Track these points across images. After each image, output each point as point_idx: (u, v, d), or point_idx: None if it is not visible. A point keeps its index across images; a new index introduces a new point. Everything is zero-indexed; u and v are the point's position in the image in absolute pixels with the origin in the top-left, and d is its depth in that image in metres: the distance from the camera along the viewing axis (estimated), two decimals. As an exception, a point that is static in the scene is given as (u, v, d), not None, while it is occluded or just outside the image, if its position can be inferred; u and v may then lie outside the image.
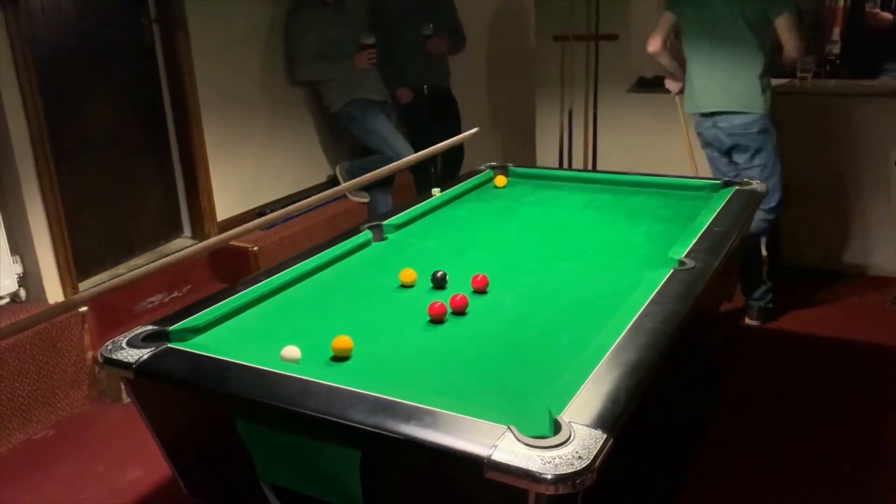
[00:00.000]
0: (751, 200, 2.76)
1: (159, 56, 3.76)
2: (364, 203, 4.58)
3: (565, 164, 4.77)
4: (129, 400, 2.64)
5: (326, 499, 1.60)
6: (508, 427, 1.38)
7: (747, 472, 2.52)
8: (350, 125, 4.38)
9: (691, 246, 2.27)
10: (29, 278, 3.18)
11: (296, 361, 1.73)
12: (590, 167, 4.67)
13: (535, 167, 3.59)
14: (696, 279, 2.04)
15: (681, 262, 2.15)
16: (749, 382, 3.09)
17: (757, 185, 2.91)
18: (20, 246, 3.13)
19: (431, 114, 4.85)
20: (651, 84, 4.53)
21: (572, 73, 4.62)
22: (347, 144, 4.78)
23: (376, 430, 1.43)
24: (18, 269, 3.14)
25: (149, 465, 2.70)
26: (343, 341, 1.77)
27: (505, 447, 1.33)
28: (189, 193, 3.94)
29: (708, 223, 2.48)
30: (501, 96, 5.70)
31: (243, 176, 4.17)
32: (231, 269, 3.91)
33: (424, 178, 5.07)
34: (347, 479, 1.51)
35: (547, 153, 4.83)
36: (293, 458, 1.60)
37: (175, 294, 3.76)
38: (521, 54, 5.43)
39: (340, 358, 1.78)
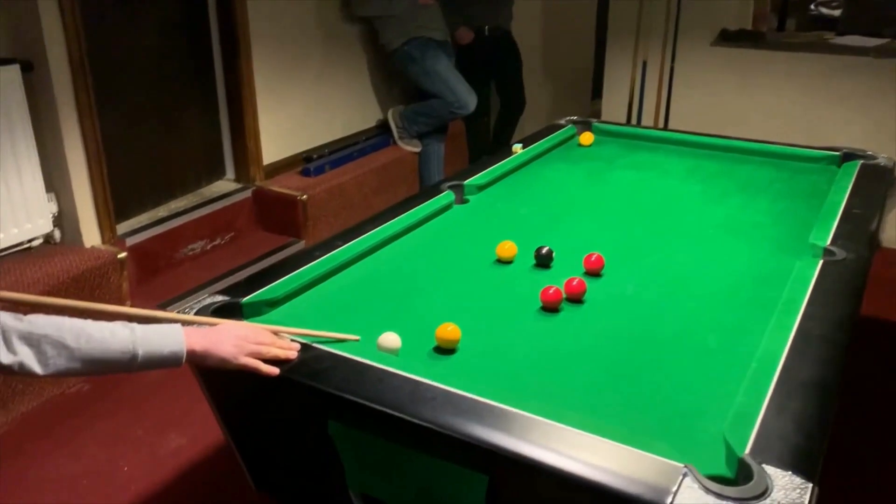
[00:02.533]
0: (882, 176, 2.43)
1: (208, -18, 3.41)
2: (416, 152, 4.26)
3: (634, 121, 4.41)
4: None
5: (435, 523, 1.35)
6: (686, 466, 1.10)
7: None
8: (408, 66, 4.01)
9: (833, 231, 1.96)
10: (65, 218, 2.91)
11: (395, 353, 1.46)
12: (661, 125, 4.31)
13: (621, 124, 3.24)
14: (855, 274, 1.74)
15: (828, 251, 1.84)
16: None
17: (882, 158, 2.57)
18: (56, 184, 2.85)
19: (491, 58, 4.48)
20: (736, 37, 4.13)
21: (650, 21, 4.22)
22: (400, 87, 4.43)
23: (514, 457, 1.16)
24: (54, 208, 2.87)
25: (192, 433, 2.48)
26: (450, 331, 1.49)
27: (688, 495, 1.06)
28: (234, 133, 3.63)
29: (843, 203, 2.16)
30: (560, 44, 5.31)
31: (291, 117, 3.84)
32: (277, 217, 3.64)
33: (480, 126, 4.74)
34: (467, 505, 1.24)
35: (614, 108, 4.47)
36: (395, 471, 1.34)
37: (217, 241, 3.49)
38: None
39: (445, 350, 1.50)
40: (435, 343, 1.50)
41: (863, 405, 2.52)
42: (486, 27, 4.40)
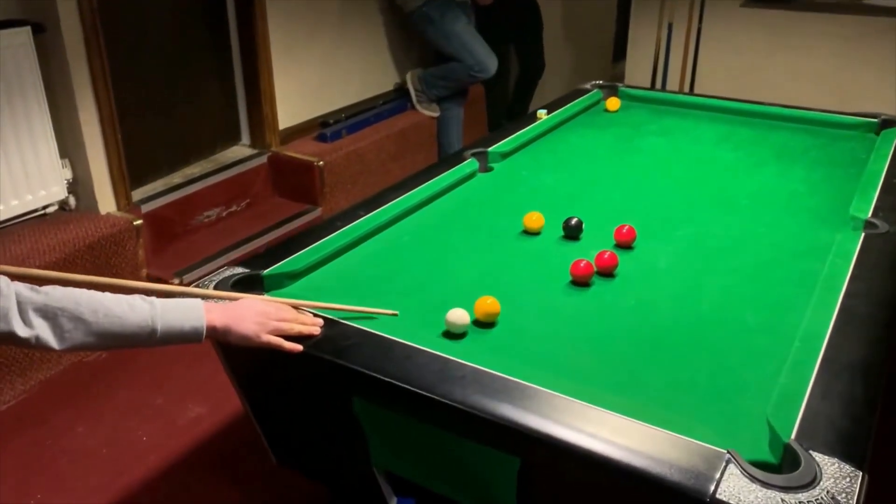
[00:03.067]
0: (923, 145, 2.33)
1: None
2: (434, 116, 4.17)
3: (658, 84, 4.29)
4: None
5: (464, 502, 1.31)
6: (729, 452, 1.05)
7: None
8: (426, 27, 3.89)
9: (874, 202, 1.88)
10: (79, 185, 2.86)
11: (464, 329, 1.40)
12: (687, 90, 4.19)
13: (651, 89, 3.14)
14: (898, 248, 1.67)
15: (869, 224, 1.77)
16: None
17: (922, 126, 2.47)
18: (70, 149, 2.80)
19: (512, 19, 4.36)
20: (766, -2, 3.99)
21: (677, -20, 4.08)
22: (418, 50, 4.32)
23: (547, 439, 1.11)
24: (68, 174, 2.82)
25: (212, 402, 2.46)
26: (490, 304, 1.44)
27: (732, 482, 1.01)
28: (249, 98, 3.56)
29: (884, 173, 2.07)
30: (580, 3, 5.17)
31: (307, 81, 3.76)
32: (294, 184, 3.58)
33: (500, 90, 4.63)
34: (498, 488, 1.21)
35: (639, 71, 4.35)
36: (423, 450, 1.30)
37: (234, 208, 3.45)
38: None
39: (485, 324, 1.44)
40: (473, 317, 1.44)
41: None
42: (507, -13, 4.26)
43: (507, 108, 4.73)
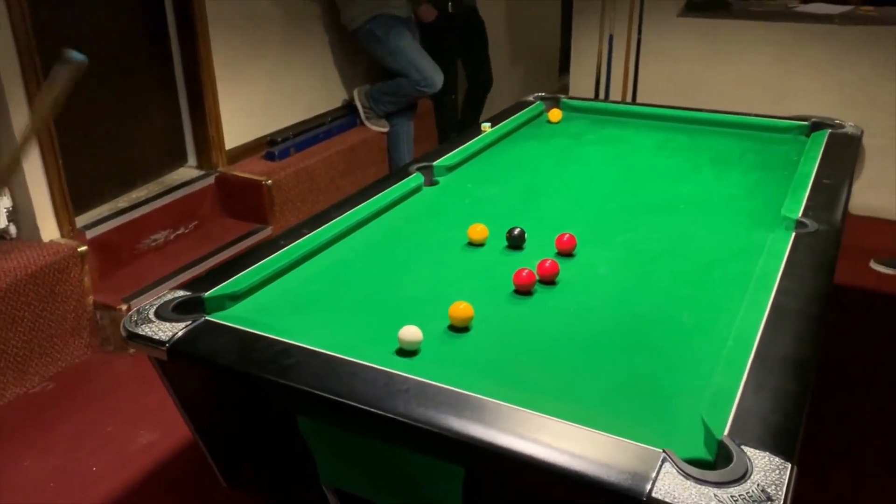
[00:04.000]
0: (849, 145, 2.42)
1: (160, -41, 3.28)
2: (384, 132, 4.19)
3: (601, 95, 4.38)
4: (135, 350, 2.32)
5: (412, 516, 1.32)
6: (664, 451, 1.08)
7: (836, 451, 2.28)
8: (372, 44, 3.92)
9: (805, 202, 1.95)
10: (20, 214, 2.80)
11: (417, 346, 1.41)
12: (629, 99, 4.28)
13: (592, 100, 3.20)
14: (828, 245, 1.73)
15: (800, 223, 1.83)
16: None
17: (850, 127, 2.57)
18: (9, 176, 2.74)
19: (457, 35, 4.40)
20: (704, 7, 4.11)
21: (615, -6, 4.18)
22: (365, 66, 4.33)
23: (489, 447, 1.12)
24: (7, 202, 2.76)
25: (164, 427, 2.42)
26: (463, 309, 1.46)
27: (667, 480, 1.04)
28: (194, 118, 3.52)
29: (813, 174, 2.15)
30: (523, 21, 5.25)
31: (253, 99, 3.74)
32: (242, 204, 3.55)
33: (447, 105, 4.67)
34: (445, 499, 1.22)
35: (582, 83, 4.43)
36: (370, 465, 1.31)
37: (181, 230, 3.40)
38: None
39: (460, 329, 1.47)
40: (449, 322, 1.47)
41: (838, 379, 2.54)
42: (450, 4, 4.31)
43: (456, 122, 4.77)
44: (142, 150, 3.38)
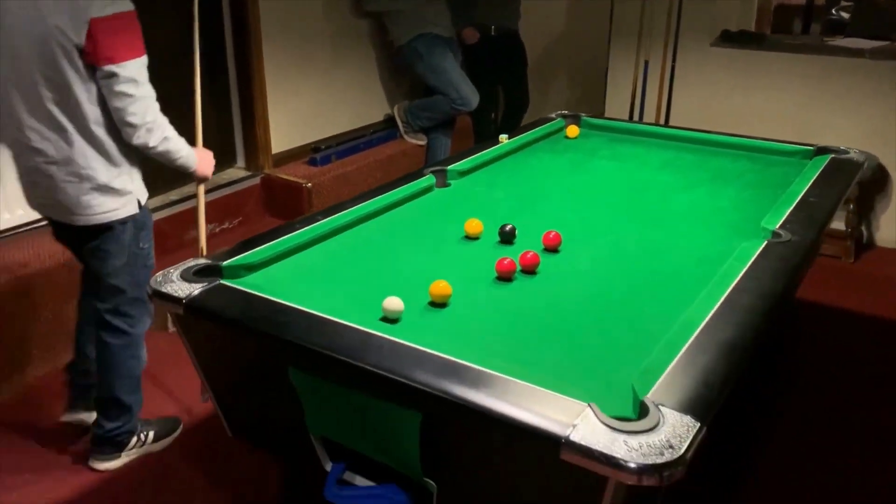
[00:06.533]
0: (848, 169, 2.52)
1: (222, -23, 3.60)
2: (421, 145, 4.42)
3: (636, 118, 4.52)
4: (174, 330, 2.58)
5: (381, 459, 1.50)
6: (589, 404, 1.24)
7: (805, 456, 2.36)
8: (415, 62, 4.17)
9: (785, 216, 2.08)
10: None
11: (398, 315, 1.60)
12: (662, 123, 4.41)
13: (611, 118, 3.36)
14: (793, 253, 1.85)
15: (775, 234, 1.96)
16: (822, 362, 2.90)
17: (854, 153, 2.66)
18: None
19: (497, 57, 4.62)
20: (737, 38, 4.23)
21: (652, 22, 4.33)
22: (408, 83, 4.59)
23: (442, 395, 1.30)
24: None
25: (189, 400, 2.66)
26: (442, 287, 1.66)
27: (585, 427, 1.19)
28: (245, 122, 3.83)
29: (802, 192, 2.27)
30: (572, 43, 5.43)
31: (300, 109, 4.03)
32: (284, 204, 3.82)
33: (485, 123, 4.88)
34: (405, 441, 1.39)
35: (617, 106, 4.58)
36: (348, 413, 1.49)
37: (225, 225, 3.68)
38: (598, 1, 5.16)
39: (437, 305, 1.66)
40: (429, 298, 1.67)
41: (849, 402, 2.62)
42: (493, 27, 4.53)
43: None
44: (195, 149, 3.68)
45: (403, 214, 2.22)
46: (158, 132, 2.05)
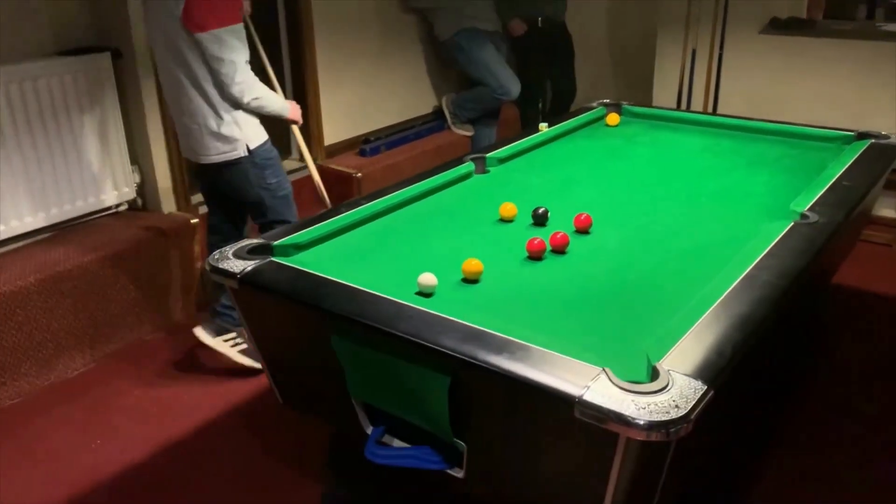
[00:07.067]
0: (888, 154, 2.53)
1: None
2: (468, 136, 4.52)
3: (683, 107, 4.53)
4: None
5: (414, 420, 1.62)
6: (603, 369, 1.34)
7: (835, 446, 2.38)
8: (457, 55, 4.29)
9: (816, 199, 2.12)
10: (146, 187, 3.33)
11: (432, 290, 1.72)
12: (710, 111, 4.41)
13: (652, 107, 3.40)
14: (819, 234, 1.90)
15: (803, 216, 2.00)
16: (867, 350, 2.90)
17: (895, 137, 2.66)
18: (139, 157, 3.27)
19: (544, 48, 4.69)
20: (786, 25, 4.20)
21: (700, 9, 4.34)
22: (455, 75, 4.70)
23: (468, 359, 1.41)
24: (137, 178, 3.29)
25: (247, 374, 2.83)
26: (474, 264, 1.77)
27: (598, 388, 1.29)
28: (299, 115, 3.99)
29: (836, 176, 2.29)
30: (620, 33, 5.44)
31: (350, 101, 4.18)
32: (335, 193, 3.95)
33: (532, 112, 4.95)
34: (435, 403, 1.51)
35: (664, 95, 4.59)
36: (383, 377, 1.62)
37: (281, 213, 3.85)
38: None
39: (469, 281, 1.78)
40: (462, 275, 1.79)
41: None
42: (539, 19, 4.60)
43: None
44: (251, 141, 3.87)
45: (442, 199, 2.34)
46: (249, 92, 2.49)
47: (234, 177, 2.62)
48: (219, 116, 2.51)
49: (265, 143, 2.65)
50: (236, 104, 2.50)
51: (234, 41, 2.41)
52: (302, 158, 3.19)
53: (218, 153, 2.57)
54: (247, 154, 2.58)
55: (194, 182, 3.26)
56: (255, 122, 2.61)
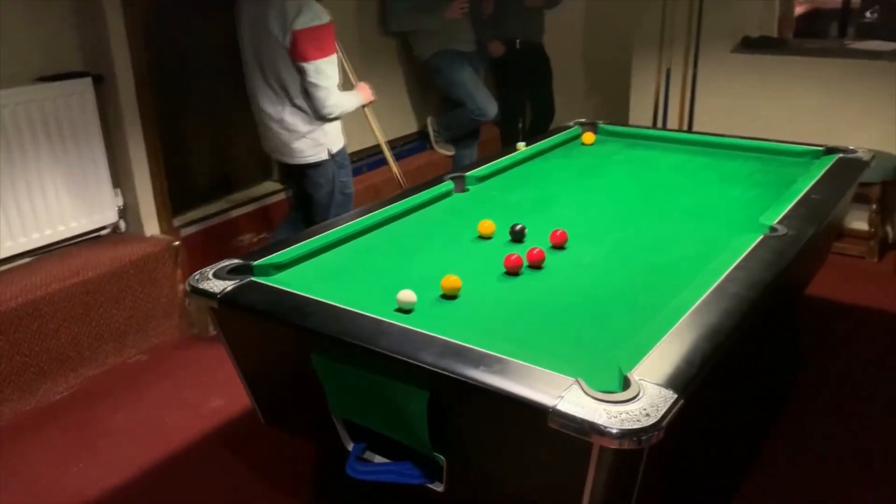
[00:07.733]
0: (854, 168, 2.60)
1: None
2: (450, 155, 4.58)
3: (659, 125, 4.61)
4: (215, 332, 2.78)
5: (394, 436, 1.64)
6: (576, 380, 1.37)
7: (822, 456, 2.43)
8: (436, 76, 4.37)
9: (785, 212, 2.17)
10: (129, 211, 3.34)
11: (411, 307, 1.75)
12: (685, 129, 4.50)
13: (627, 125, 3.47)
14: (788, 247, 1.95)
15: (772, 229, 2.06)
16: (844, 361, 2.96)
17: (862, 152, 2.74)
18: (122, 180, 3.29)
19: (523, 69, 4.77)
20: (757, 44, 4.30)
21: (673, 30, 4.44)
22: (435, 96, 4.76)
23: (445, 373, 1.44)
24: (119, 201, 3.30)
25: (230, 395, 2.84)
26: (452, 280, 1.80)
27: (571, 398, 1.32)
28: (280, 138, 4.03)
29: (805, 190, 2.36)
30: (596, 55, 5.54)
31: (333, 122, 4.21)
32: (317, 214, 3.99)
33: (511, 132, 5.02)
34: (415, 418, 1.53)
35: (641, 114, 4.68)
36: (364, 394, 1.64)
37: (263, 234, 3.88)
38: (620, 11, 5.26)
39: (448, 297, 1.81)
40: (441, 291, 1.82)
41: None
42: (518, 41, 4.68)
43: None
44: (234, 164, 3.91)
45: (422, 217, 2.38)
46: (336, 110, 3.01)
47: (316, 175, 3.11)
48: (308, 124, 3.01)
49: (343, 147, 3.17)
50: (325, 120, 3.01)
51: (330, 70, 2.90)
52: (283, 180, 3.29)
53: (306, 155, 3.06)
54: (328, 157, 3.08)
55: (177, 203, 3.34)
56: (338, 129, 3.11)
